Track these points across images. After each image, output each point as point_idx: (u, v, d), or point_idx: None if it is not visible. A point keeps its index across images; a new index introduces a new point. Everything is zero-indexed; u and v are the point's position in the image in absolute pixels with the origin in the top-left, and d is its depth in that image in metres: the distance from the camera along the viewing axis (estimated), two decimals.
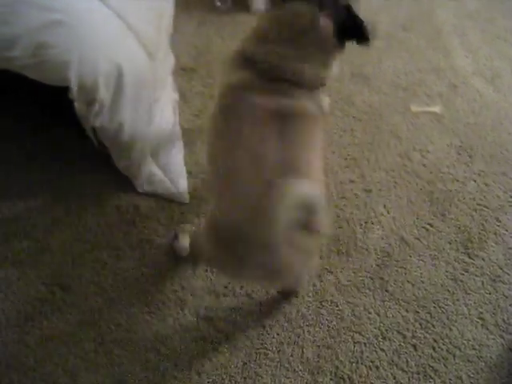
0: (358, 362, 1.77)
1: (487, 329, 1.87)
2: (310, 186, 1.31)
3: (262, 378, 1.72)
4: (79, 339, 1.78)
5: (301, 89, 1.52)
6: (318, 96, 1.61)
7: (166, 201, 2.17)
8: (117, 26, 1.92)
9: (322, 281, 1.95)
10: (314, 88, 1.58)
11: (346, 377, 1.73)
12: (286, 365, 1.75)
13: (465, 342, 1.84)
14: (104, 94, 1.83)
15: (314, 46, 1.52)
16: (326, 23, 1.51)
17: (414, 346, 1.81)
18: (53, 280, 1.92)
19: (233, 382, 1.71)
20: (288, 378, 1.72)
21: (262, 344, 1.79)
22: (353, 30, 1.56)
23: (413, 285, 1.97)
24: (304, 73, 1.50)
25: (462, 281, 1.99)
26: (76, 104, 1.83)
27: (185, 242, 1.96)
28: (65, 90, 1.80)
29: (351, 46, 1.59)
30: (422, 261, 2.04)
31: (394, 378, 1.74)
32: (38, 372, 1.70)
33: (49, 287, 1.90)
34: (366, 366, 1.76)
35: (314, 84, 1.58)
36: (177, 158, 2.26)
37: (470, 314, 1.90)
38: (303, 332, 1.83)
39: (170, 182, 2.16)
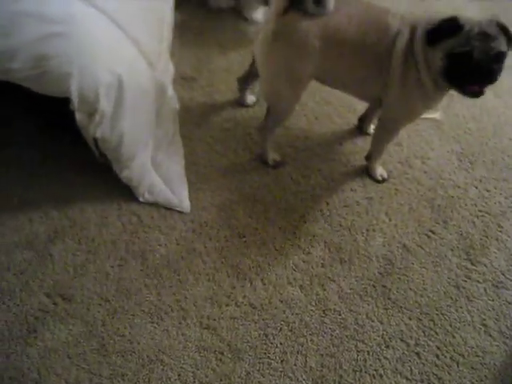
0: (361, 371, 1.76)
1: (490, 335, 1.87)
2: None
3: None
4: (82, 350, 1.77)
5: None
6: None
7: (168, 210, 2.17)
8: (117, 37, 1.92)
9: (324, 289, 1.95)
10: None
11: None
12: (290, 374, 1.74)
13: (468, 349, 1.83)
14: (105, 104, 1.84)
15: None
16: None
17: (418, 354, 1.81)
18: (55, 291, 1.91)
19: None
20: None
21: (265, 353, 1.79)
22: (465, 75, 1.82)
23: (415, 292, 1.96)
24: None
25: (464, 287, 1.99)
26: (77, 115, 1.84)
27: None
28: (65, 99, 1.81)
29: None
30: (425, 268, 2.04)
31: None
32: None
33: (51, 298, 1.89)
34: (369, 374, 1.76)
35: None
36: (177, 167, 2.26)
37: (473, 321, 1.90)
38: (306, 341, 1.82)
39: (171, 191, 2.17)
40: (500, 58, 1.75)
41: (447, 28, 1.77)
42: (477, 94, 1.86)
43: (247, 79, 2.48)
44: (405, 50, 1.89)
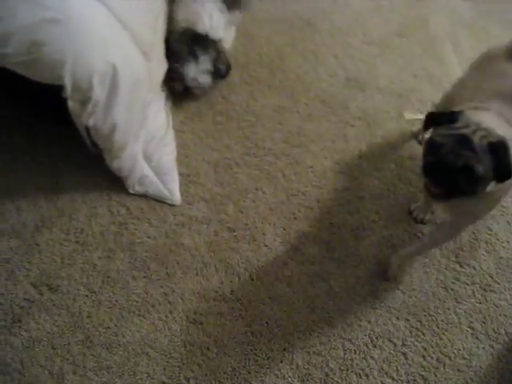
0: (348, 370, 1.76)
1: (477, 338, 1.87)
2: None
3: None
4: (67, 342, 1.76)
5: None
6: None
7: (158, 202, 2.15)
8: (112, 25, 1.90)
9: (313, 287, 1.95)
10: None
11: None
12: (276, 371, 1.74)
13: (455, 351, 1.84)
14: (98, 93, 1.81)
15: None
16: None
17: (404, 355, 1.81)
18: (41, 280, 1.89)
19: None
20: None
21: (251, 350, 1.78)
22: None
23: (404, 292, 1.96)
24: None
25: (452, 289, 1.99)
26: (70, 103, 1.82)
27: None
28: (55, 88, 1.78)
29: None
30: (413, 268, 2.03)
31: None
32: (24, 375, 1.68)
33: (37, 288, 1.87)
34: (355, 373, 1.76)
35: None
36: (169, 159, 2.24)
37: (460, 323, 1.90)
38: (293, 338, 1.82)
39: (162, 183, 2.15)
40: (465, 172, 1.42)
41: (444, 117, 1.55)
42: (432, 194, 1.57)
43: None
44: None
